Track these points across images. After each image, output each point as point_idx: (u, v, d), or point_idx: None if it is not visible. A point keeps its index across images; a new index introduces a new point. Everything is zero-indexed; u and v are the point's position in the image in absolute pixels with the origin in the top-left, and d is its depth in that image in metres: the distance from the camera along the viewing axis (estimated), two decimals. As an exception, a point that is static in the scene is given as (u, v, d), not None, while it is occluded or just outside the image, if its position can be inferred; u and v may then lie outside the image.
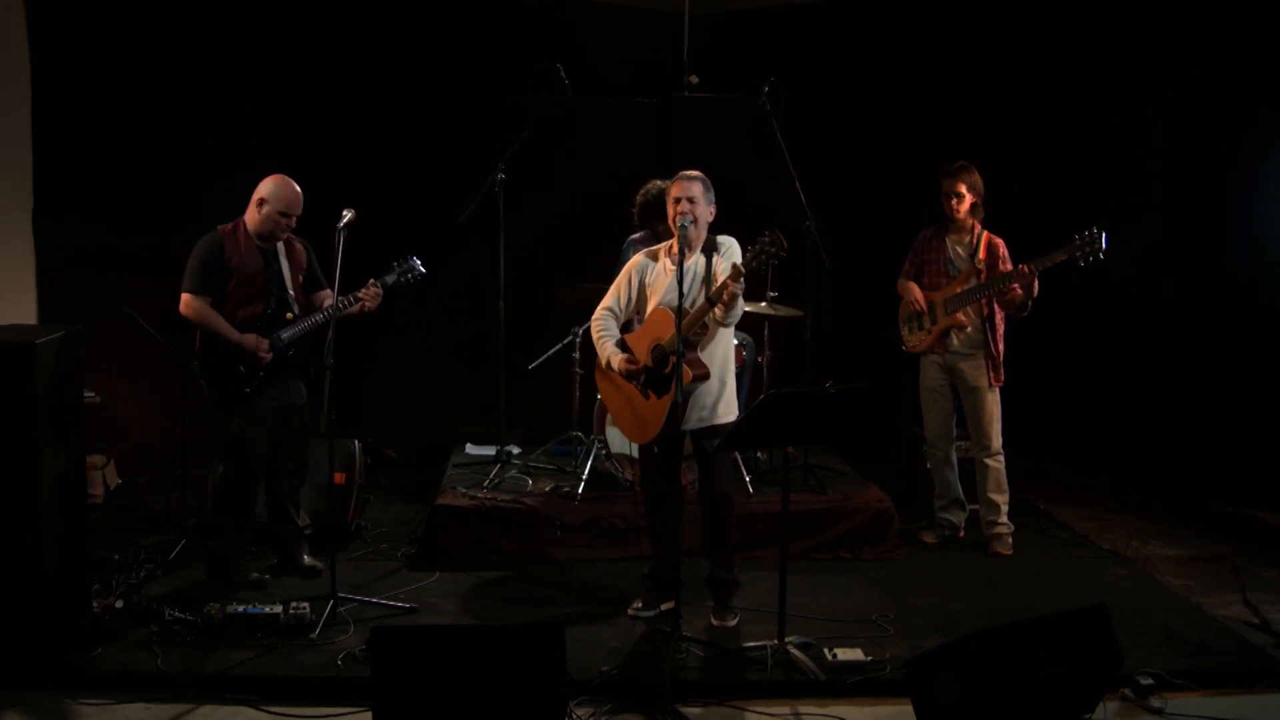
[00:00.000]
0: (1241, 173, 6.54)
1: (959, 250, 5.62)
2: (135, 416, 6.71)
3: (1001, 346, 5.57)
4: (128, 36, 6.65)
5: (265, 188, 4.88)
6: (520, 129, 6.13)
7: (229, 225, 4.92)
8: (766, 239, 4.09)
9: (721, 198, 4.62)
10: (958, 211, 5.55)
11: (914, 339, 5.77)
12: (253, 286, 4.88)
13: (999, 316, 5.57)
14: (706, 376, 4.40)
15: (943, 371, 5.70)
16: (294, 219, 4.92)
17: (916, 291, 5.71)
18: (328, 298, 5.03)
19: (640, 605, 4.76)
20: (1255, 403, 6.52)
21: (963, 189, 5.52)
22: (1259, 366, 6.53)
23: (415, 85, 7.09)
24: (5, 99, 6.40)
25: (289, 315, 4.97)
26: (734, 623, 4.66)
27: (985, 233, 5.58)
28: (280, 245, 4.98)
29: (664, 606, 4.68)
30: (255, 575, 5.03)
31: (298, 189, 4.92)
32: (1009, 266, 5.47)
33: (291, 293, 5.00)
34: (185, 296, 4.83)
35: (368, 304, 4.95)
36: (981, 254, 5.53)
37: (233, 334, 4.84)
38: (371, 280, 4.97)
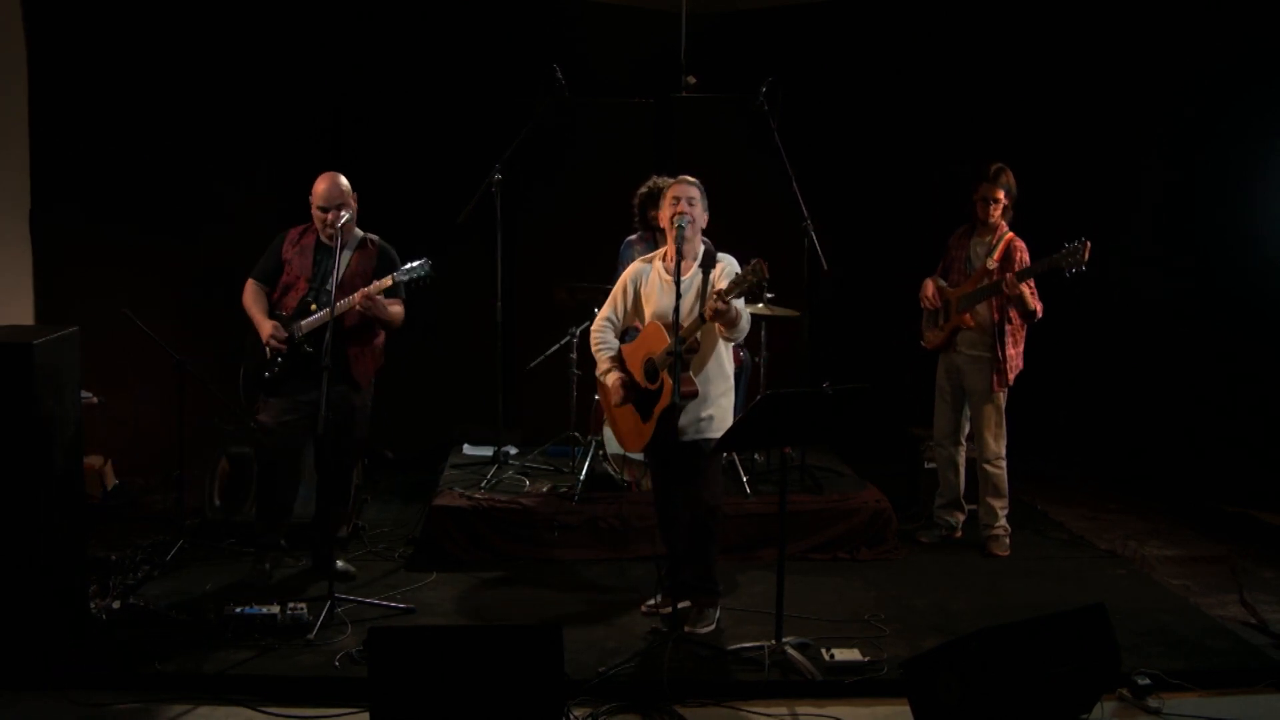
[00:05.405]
0: (1241, 172, 6.54)
1: (979, 250, 5.56)
2: (133, 417, 6.70)
3: (1012, 352, 5.48)
4: (125, 35, 6.65)
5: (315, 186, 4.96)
6: (519, 129, 6.13)
7: (302, 225, 5.06)
8: (749, 268, 4.08)
9: (719, 198, 4.61)
10: (991, 215, 5.49)
11: (929, 335, 5.76)
12: (295, 280, 4.98)
13: (1016, 322, 5.48)
14: (695, 395, 4.38)
15: (950, 371, 5.68)
16: (333, 212, 4.83)
17: (930, 287, 5.69)
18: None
19: (654, 603, 4.74)
20: (1254, 403, 6.52)
21: (1000, 194, 5.45)
22: (1258, 366, 6.53)
23: (414, 85, 7.08)
24: (2, 98, 6.39)
25: (312, 307, 4.96)
26: (705, 630, 4.54)
27: (1009, 234, 5.50)
28: (347, 245, 4.96)
29: (680, 605, 4.62)
30: (266, 567, 5.07)
31: (332, 183, 4.87)
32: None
33: (332, 290, 4.78)
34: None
35: (357, 304, 4.88)
36: (997, 255, 5.46)
37: (256, 317, 4.98)
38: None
